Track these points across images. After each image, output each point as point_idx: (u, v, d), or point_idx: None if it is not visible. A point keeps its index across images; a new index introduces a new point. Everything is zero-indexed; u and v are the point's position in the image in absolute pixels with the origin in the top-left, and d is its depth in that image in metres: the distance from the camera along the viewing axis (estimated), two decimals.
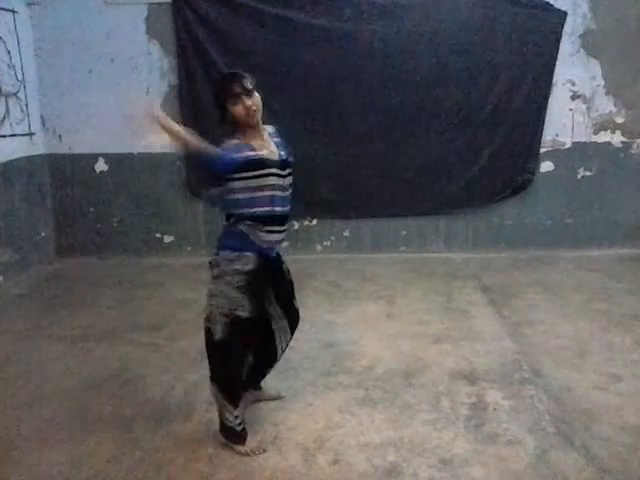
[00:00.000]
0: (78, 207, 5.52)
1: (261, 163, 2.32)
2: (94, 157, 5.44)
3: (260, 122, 2.40)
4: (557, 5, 5.05)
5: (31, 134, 5.23)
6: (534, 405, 2.79)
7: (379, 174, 5.34)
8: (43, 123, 5.38)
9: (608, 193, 5.46)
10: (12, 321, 4.03)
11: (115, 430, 2.62)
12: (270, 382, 2.98)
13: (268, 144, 2.41)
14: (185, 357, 3.36)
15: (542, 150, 5.36)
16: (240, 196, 2.33)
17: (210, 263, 2.43)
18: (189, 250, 5.57)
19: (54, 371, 3.23)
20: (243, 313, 2.35)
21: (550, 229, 5.54)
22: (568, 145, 5.38)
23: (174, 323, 3.90)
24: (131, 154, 5.40)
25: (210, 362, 2.46)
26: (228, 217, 2.42)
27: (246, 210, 2.34)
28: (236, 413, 2.46)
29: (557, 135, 5.36)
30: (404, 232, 5.59)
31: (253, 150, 2.32)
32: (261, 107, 2.36)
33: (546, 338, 3.59)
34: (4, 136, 4.83)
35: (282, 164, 2.39)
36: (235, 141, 2.34)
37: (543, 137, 5.32)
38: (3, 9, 4.83)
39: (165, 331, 3.77)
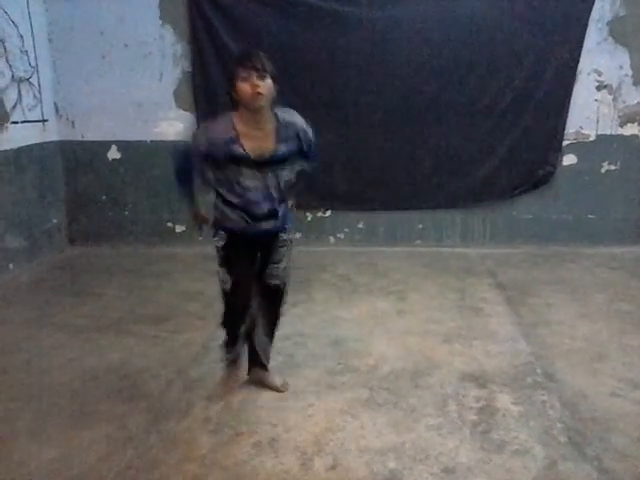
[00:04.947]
0: (90, 195, 5.47)
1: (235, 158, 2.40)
2: (107, 144, 5.37)
3: (265, 110, 2.37)
4: None
5: (44, 120, 5.18)
6: (546, 412, 2.66)
7: (395, 165, 5.19)
8: (56, 109, 5.32)
9: (633, 188, 5.24)
10: (18, 309, 4.01)
11: (110, 426, 2.56)
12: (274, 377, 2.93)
13: (262, 136, 2.39)
14: (187, 351, 3.29)
15: (565, 142, 5.14)
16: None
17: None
18: (201, 240, 5.47)
19: (55, 362, 3.18)
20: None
21: (571, 225, 5.34)
22: (592, 138, 5.16)
23: (179, 315, 3.84)
24: (144, 142, 5.34)
25: None
26: None
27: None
28: (227, 349, 2.77)
29: (581, 127, 5.14)
30: (420, 225, 5.45)
31: (235, 143, 2.37)
32: (270, 95, 2.33)
33: (562, 340, 3.43)
34: (16, 122, 4.77)
35: (259, 163, 2.40)
36: (225, 120, 2.39)
37: (566, 129, 5.10)
38: None
39: (170, 323, 3.70)
